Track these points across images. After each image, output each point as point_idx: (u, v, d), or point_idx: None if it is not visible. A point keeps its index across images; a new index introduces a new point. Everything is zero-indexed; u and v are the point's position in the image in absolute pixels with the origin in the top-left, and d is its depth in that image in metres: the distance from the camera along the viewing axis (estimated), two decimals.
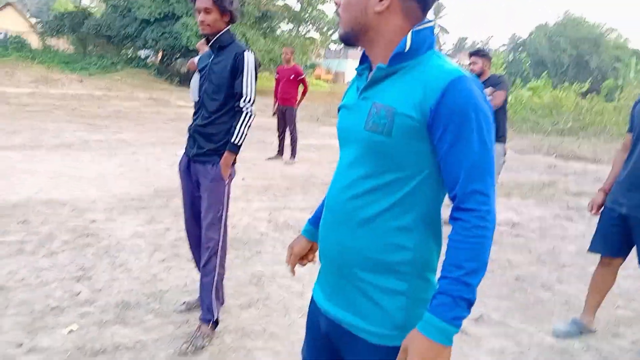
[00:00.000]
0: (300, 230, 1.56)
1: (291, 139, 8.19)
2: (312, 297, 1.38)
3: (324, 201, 1.54)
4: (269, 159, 8.14)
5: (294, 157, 8.17)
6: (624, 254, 2.95)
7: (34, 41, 25.85)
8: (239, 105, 2.62)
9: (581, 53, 39.79)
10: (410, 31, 1.17)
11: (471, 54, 4.91)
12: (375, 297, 1.18)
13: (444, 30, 61.66)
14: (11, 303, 2.80)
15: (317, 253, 1.54)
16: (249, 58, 2.63)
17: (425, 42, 1.18)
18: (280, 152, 8.29)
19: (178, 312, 2.90)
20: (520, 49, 42.61)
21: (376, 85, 1.19)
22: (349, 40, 1.25)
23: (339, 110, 1.35)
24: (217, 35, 2.62)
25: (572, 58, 40.07)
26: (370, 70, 1.24)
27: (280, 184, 6.45)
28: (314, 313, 1.36)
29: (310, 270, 3.62)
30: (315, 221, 1.53)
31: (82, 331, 2.59)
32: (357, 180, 1.20)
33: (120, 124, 10.80)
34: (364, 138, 1.18)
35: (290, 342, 2.72)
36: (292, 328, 2.87)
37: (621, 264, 3.00)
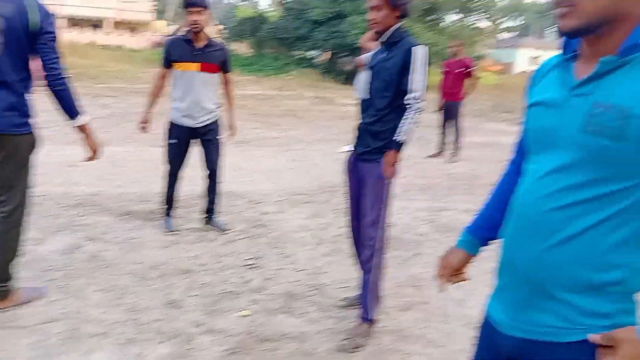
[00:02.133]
0: (452, 245, 1.46)
1: (456, 136, 7.90)
2: (487, 316, 1.26)
3: (487, 208, 1.42)
4: (430, 156, 7.97)
5: (457, 155, 7.88)
6: None
7: None
8: (407, 102, 2.58)
9: None
10: None
11: None
12: (573, 318, 1.06)
13: None
14: (194, 285, 3.17)
15: (467, 270, 1.43)
16: (419, 53, 2.58)
17: None
18: (442, 149, 8.06)
19: (338, 307, 2.99)
20: None
21: (598, 81, 1.03)
22: (584, 32, 1.04)
23: (529, 108, 1.20)
24: (388, 32, 2.62)
25: None
26: (575, 61, 1.09)
27: (441, 184, 6.27)
28: (491, 334, 1.23)
29: (473, 277, 3.45)
30: (476, 230, 1.41)
31: (253, 317, 2.82)
32: (566, 190, 1.06)
33: (291, 122, 11.53)
34: (581, 142, 1.03)
35: (449, 350, 2.63)
36: (452, 337, 2.76)
37: None
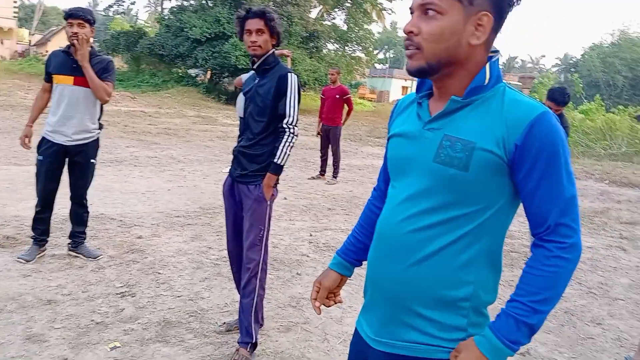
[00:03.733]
0: (326, 267, 1.52)
1: (334, 159, 8.21)
2: (356, 331, 1.34)
3: (355, 231, 1.51)
4: (312, 178, 8.18)
5: (337, 177, 8.18)
6: None
7: None
8: (282, 127, 2.65)
9: (637, 74, 38.30)
10: (488, 63, 1.16)
11: (548, 98, 4.53)
12: (432, 332, 1.16)
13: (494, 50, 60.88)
14: (58, 317, 2.90)
15: (340, 293, 1.49)
16: (292, 80, 2.67)
17: (498, 73, 1.17)
18: (323, 171, 8.32)
19: (218, 333, 2.91)
20: (572, 70, 41.42)
21: (448, 117, 1.16)
22: (428, 73, 1.16)
23: (390, 139, 1.32)
24: (263, 57, 2.68)
25: (627, 80, 38.60)
26: (429, 98, 1.22)
27: (322, 204, 6.46)
28: (360, 348, 1.31)
29: (350, 295, 3.60)
30: (346, 253, 1.48)
31: (124, 348, 2.65)
32: (421, 214, 1.17)
33: (170, 141, 11.13)
34: (432, 170, 1.15)
35: None
36: (331, 354, 2.84)
37: None
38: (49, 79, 3.64)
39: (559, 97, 4.47)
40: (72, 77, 3.54)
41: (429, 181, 1.16)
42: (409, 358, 1.18)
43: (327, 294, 1.46)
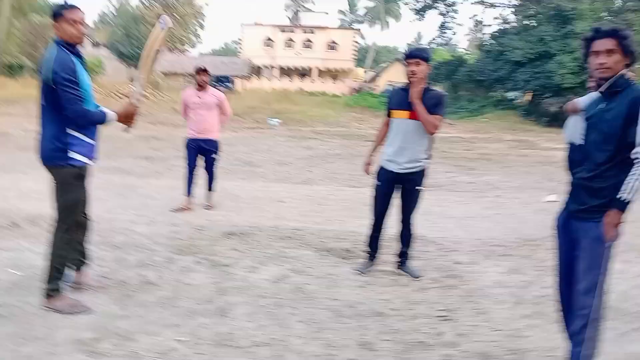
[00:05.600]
0: None
1: None
2: None
3: None
4: None
5: None
6: None
7: None
8: (634, 156, 2.31)
9: None
10: None
11: None
12: None
13: None
14: (387, 329, 3.20)
15: None
16: None
17: None
18: None
19: None
20: None
21: None
22: None
23: None
24: (613, 79, 2.40)
25: None
26: None
27: None
28: None
29: None
30: None
31: None
32: None
33: (487, 166, 11.09)
34: None
35: None
36: None
37: None
38: (388, 113, 4.11)
39: None
40: (408, 112, 3.91)
41: None
42: None
43: None
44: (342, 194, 7.35)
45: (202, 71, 6.03)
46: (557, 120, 18.64)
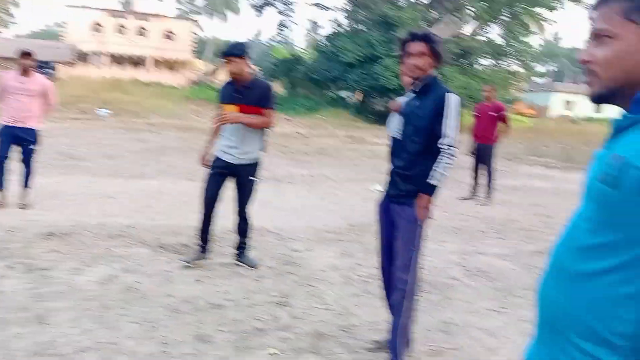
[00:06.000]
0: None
1: (487, 179, 7.84)
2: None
3: None
4: (462, 198, 7.90)
5: (489, 198, 7.79)
6: None
7: None
8: (440, 146, 2.62)
9: None
10: None
11: None
12: None
13: None
14: (225, 320, 3.19)
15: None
16: (453, 99, 2.63)
17: None
18: (474, 192, 7.99)
19: (367, 350, 2.95)
20: None
21: (620, 135, 1.10)
22: (608, 98, 1.14)
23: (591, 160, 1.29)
24: (424, 78, 2.69)
25: None
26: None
27: (473, 226, 6.20)
28: None
29: (506, 325, 3.39)
30: None
31: (281, 356, 2.81)
32: (583, 234, 1.11)
33: (322, 160, 11.65)
34: (595, 189, 1.10)
35: None
36: None
37: None
38: (221, 107, 4.08)
39: None
40: (237, 106, 3.91)
41: (591, 200, 1.11)
42: None
43: None
44: (179, 188, 7.11)
45: (26, 55, 5.48)
46: (383, 118, 20.37)
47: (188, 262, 4.04)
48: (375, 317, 3.37)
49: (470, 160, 8.14)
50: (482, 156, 7.87)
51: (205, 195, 4.06)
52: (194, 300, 3.44)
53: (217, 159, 4.04)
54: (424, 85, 2.71)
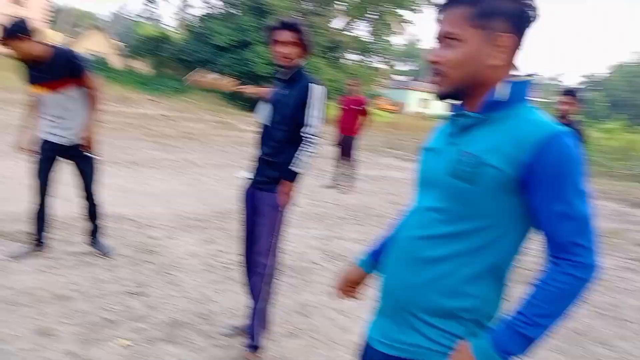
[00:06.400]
0: (352, 261, 1.58)
1: (350, 169, 8.24)
2: (367, 337, 1.37)
3: (387, 237, 1.55)
4: (326, 187, 8.22)
5: (351, 186, 8.20)
6: None
7: (117, 62, 27.68)
8: (304, 135, 2.69)
9: None
10: (511, 81, 1.19)
11: (565, 93, 4.71)
12: (434, 337, 1.20)
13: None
14: (70, 312, 2.96)
15: (363, 290, 1.55)
16: (317, 90, 2.71)
17: (522, 93, 1.19)
18: (337, 181, 8.35)
19: (225, 336, 2.95)
20: (596, 88, 40.84)
21: (467, 132, 1.21)
22: (454, 96, 1.23)
23: (422, 151, 1.37)
24: (292, 68, 2.72)
25: None
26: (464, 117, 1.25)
27: (335, 213, 6.48)
28: (369, 353, 1.35)
29: (359, 305, 3.60)
30: (375, 254, 1.53)
31: (134, 347, 2.70)
32: (432, 223, 1.21)
33: (189, 145, 11.28)
34: (446, 183, 1.20)
35: None
36: None
37: None
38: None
39: (570, 91, 4.66)
40: (45, 86, 3.54)
41: (442, 193, 1.21)
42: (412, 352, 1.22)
43: (350, 287, 1.56)
44: (21, 170, 6.39)
45: None
46: (253, 104, 20.28)
47: (18, 257, 3.65)
48: (235, 303, 3.38)
49: (334, 151, 8.48)
50: (346, 147, 8.24)
51: (35, 183, 3.69)
52: (35, 291, 3.15)
53: (44, 142, 3.67)
54: (292, 74, 2.75)
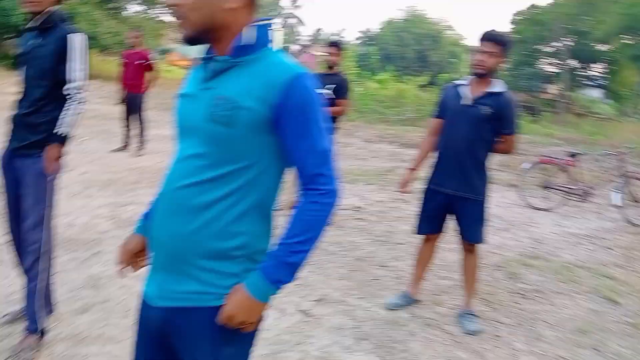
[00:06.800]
0: (131, 230, 1.50)
1: (140, 129, 7.78)
2: (143, 295, 1.34)
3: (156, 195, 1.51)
4: (114, 150, 7.65)
5: (142, 148, 7.77)
6: (442, 230, 3.34)
7: None
8: (67, 92, 2.42)
9: (424, 48, 43.32)
10: (256, 25, 1.23)
11: (330, 44, 5.12)
12: (209, 280, 1.23)
13: (300, 21, 62.87)
14: None
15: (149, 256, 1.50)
16: (77, 40, 2.43)
17: (266, 36, 1.25)
18: (127, 143, 7.83)
19: (1, 325, 2.62)
20: (370, 43, 45.09)
21: (219, 77, 1.22)
22: (198, 40, 1.24)
23: (177, 98, 1.34)
24: (43, 15, 2.39)
25: (415, 52, 43.40)
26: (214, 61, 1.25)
27: (126, 178, 6.11)
28: (144, 310, 1.33)
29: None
30: (146, 215, 1.49)
31: None
32: (196, 170, 1.22)
33: None
34: (204, 128, 1.21)
35: (129, 344, 2.61)
36: (133, 329, 2.76)
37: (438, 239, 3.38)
38: None
39: (334, 43, 5.11)
40: None
41: (202, 139, 1.22)
42: (187, 309, 1.24)
43: (133, 257, 1.45)
44: None
45: None
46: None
47: None
48: (10, 287, 3.02)
49: (121, 110, 7.88)
50: (132, 106, 7.72)
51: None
52: None
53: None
54: (45, 22, 2.42)
